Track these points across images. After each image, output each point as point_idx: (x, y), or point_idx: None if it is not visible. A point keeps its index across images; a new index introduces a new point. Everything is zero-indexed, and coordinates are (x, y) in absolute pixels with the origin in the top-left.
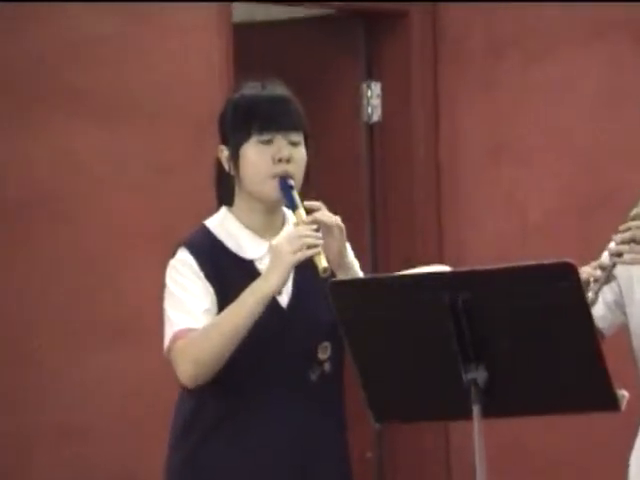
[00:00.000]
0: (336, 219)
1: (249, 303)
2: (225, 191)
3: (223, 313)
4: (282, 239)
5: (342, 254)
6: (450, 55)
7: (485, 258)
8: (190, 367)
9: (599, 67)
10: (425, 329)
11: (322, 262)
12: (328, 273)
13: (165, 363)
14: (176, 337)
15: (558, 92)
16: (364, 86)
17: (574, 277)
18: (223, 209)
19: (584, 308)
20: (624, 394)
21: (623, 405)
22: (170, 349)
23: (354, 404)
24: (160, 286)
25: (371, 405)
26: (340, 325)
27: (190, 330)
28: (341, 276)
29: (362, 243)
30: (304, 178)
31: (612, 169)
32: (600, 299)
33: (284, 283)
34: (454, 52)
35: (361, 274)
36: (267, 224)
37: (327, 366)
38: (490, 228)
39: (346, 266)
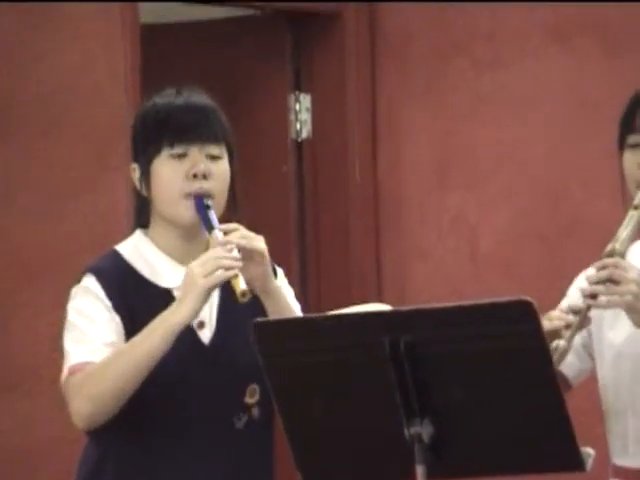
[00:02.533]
0: (257, 241)
1: (156, 334)
2: (141, 214)
3: (126, 344)
4: (195, 262)
5: (266, 278)
6: (390, 63)
7: (431, 294)
8: (84, 404)
9: (560, 77)
10: (362, 377)
11: (240, 285)
12: (248, 298)
13: (65, 417)
14: (72, 371)
15: (513, 105)
16: (292, 98)
17: (532, 316)
18: (137, 232)
19: (544, 353)
20: (590, 452)
21: (589, 465)
22: (64, 385)
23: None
24: (60, 328)
25: (299, 465)
26: (264, 371)
27: (88, 364)
28: (268, 304)
29: (290, 276)
30: (230, 198)
31: (574, 193)
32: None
33: (197, 312)
34: (395, 60)
35: (296, 304)
36: (186, 249)
37: (255, 411)
38: (436, 259)
39: (273, 292)
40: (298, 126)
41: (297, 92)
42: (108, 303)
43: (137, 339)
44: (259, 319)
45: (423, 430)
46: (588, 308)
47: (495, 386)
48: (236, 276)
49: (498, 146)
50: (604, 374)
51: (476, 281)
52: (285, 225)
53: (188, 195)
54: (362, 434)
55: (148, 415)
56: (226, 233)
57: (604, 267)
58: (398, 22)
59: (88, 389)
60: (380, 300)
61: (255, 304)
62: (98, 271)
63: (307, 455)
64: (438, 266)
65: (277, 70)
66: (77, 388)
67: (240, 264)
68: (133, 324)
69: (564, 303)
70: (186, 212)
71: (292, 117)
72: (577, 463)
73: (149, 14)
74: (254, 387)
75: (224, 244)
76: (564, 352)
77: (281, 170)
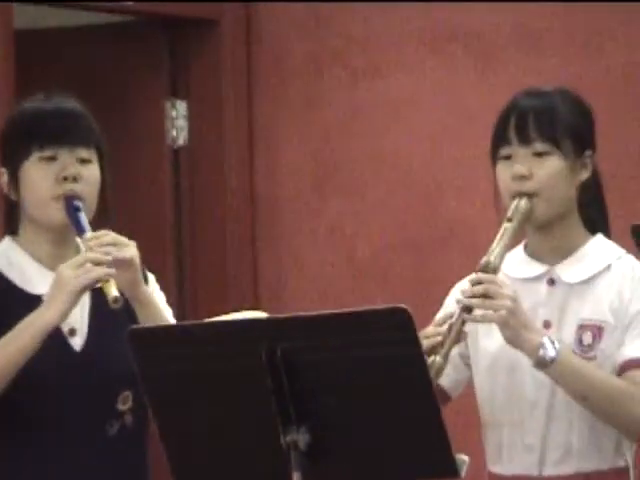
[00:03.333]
0: (127, 247)
1: (26, 333)
2: (10, 220)
3: None
4: (65, 264)
5: (136, 285)
6: (267, 71)
7: (308, 302)
8: None
9: (434, 87)
10: (238, 385)
11: (112, 291)
12: (120, 304)
13: None
14: None
15: (389, 115)
16: (168, 105)
17: (408, 324)
18: (6, 239)
19: (419, 360)
20: (464, 459)
21: (463, 471)
22: None
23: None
24: None
25: (175, 472)
26: (140, 378)
27: None
28: (139, 311)
29: (166, 283)
30: (102, 202)
31: (450, 203)
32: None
33: (66, 313)
34: (272, 67)
35: (168, 310)
36: (56, 254)
37: (128, 418)
38: (313, 267)
39: (143, 299)
40: (174, 133)
41: (173, 99)
42: None
43: (7, 337)
44: (134, 326)
45: (299, 437)
46: (463, 322)
47: (371, 394)
48: (107, 281)
49: (374, 155)
50: (480, 382)
51: (353, 289)
52: (161, 232)
53: (58, 197)
54: (238, 442)
55: (20, 422)
56: (96, 237)
57: (479, 282)
58: (275, 29)
59: None
60: (257, 308)
61: (128, 310)
62: None
63: (183, 463)
64: (315, 274)
65: (153, 76)
66: None
67: (112, 270)
68: (1, 332)
69: (440, 314)
70: (56, 214)
71: (168, 124)
72: (452, 470)
73: (24, 19)
74: (127, 394)
75: (94, 247)
76: (440, 368)
77: (158, 177)
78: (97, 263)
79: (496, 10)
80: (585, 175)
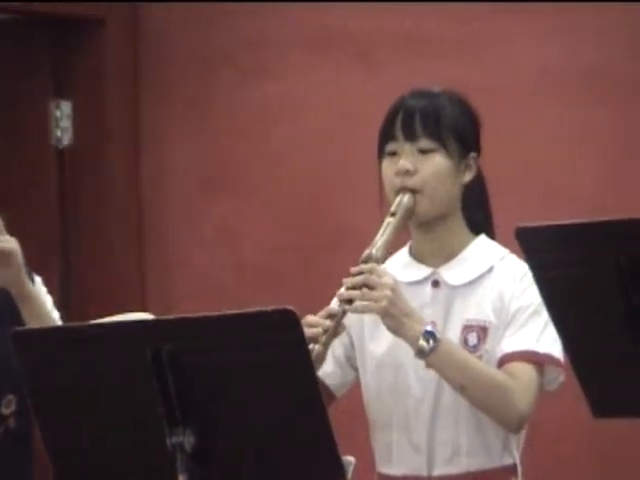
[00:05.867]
0: (7, 242)
1: None
2: None
3: None
4: None
5: (20, 282)
6: (155, 71)
7: (195, 303)
8: None
9: (321, 88)
10: (125, 387)
11: None
12: None
13: None
14: None
15: (278, 115)
16: (52, 105)
17: (295, 326)
18: None
19: (306, 362)
20: (350, 460)
21: (349, 473)
22: None
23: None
24: None
25: (59, 475)
26: (25, 381)
27: None
28: (24, 309)
29: (51, 285)
30: None
31: (337, 204)
32: (329, 353)
33: None
34: (159, 68)
35: (55, 313)
36: None
37: (12, 422)
38: (201, 268)
39: (29, 298)
40: (59, 133)
41: (58, 99)
42: None
43: None
44: (18, 328)
45: (185, 440)
46: (344, 313)
47: (258, 395)
48: None
49: (263, 156)
50: (367, 384)
51: (241, 291)
52: (46, 233)
53: None
54: (125, 444)
55: None
56: None
57: (360, 272)
58: (163, 29)
59: None
60: (144, 310)
61: (13, 311)
62: None
63: (67, 467)
64: (202, 276)
65: (38, 76)
66: None
67: None
68: None
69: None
70: None
71: (53, 124)
72: (337, 471)
73: None
74: (10, 398)
75: None
76: (320, 356)
77: (42, 177)
78: None
79: (382, 13)
80: (469, 176)
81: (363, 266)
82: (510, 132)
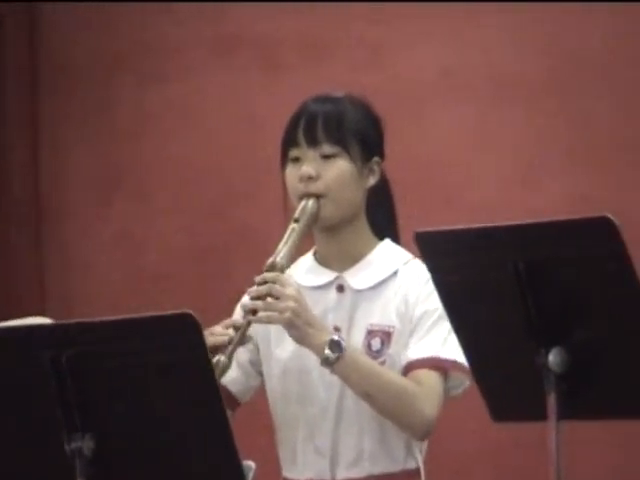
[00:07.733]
0: None
1: None
2: None
3: None
4: None
5: None
6: (53, 73)
7: (96, 308)
8: None
9: (222, 92)
10: (24, 392)
11: None
12: None
13: None
14: None
15: (178, 119)
16: None
17: (194, 330)
18: None
19: (206, 366)
20: (251, 465)
21: (250, 478)
22: None
23: None
24: None
25: None
26: None
27: None
28: None
29: None
30: None
31: (239, 208)
32: (234, 359)
33: None
34: (58, 70)
35: None
36: None
37: None
38: (101, 273)
39: None
40: None
41: None
42: None
43: None
44: None
45: (84, 444)
46: (248, 324)
47: (158, 399)
48: None
49: (163, 160)
50: (273, 389)
51: (140, 295)
52: None
53: None
54: (24, 449)
55: None
56: None
57: (264, 282)
58: (62, 31)
59: None
60: (43, 314)
61: None
62: None
63: None
64: (103, 280)
65: None
66: None
67: None
68: None
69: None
70: None
71: None
72: (237, 476)
73: None
74: None
75: None
76: (225, 367)
77: None
78: None
79: (283, 17)
80: (373, 181)
81: (267, 275)
82: (413, 135)
